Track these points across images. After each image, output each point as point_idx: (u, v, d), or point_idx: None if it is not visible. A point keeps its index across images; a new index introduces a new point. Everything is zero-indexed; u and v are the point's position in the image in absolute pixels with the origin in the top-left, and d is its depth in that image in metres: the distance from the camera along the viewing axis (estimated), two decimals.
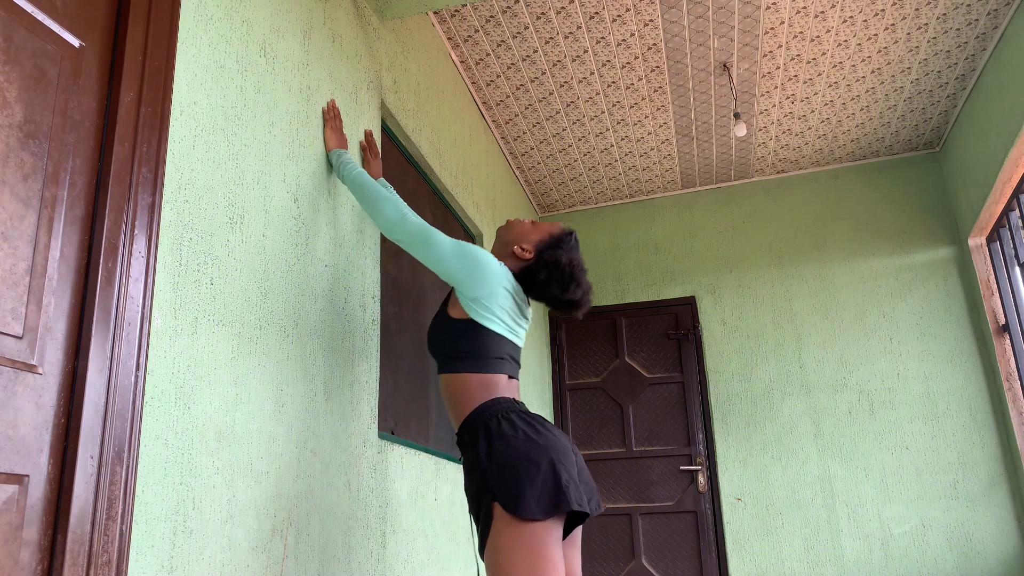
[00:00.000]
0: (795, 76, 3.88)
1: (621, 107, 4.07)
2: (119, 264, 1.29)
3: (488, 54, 3.60)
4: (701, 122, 4.27)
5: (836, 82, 3.94)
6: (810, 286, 4.64)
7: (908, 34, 3.58)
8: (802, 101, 4.11)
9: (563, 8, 3.31)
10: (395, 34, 2.88)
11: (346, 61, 2.40)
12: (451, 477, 2.86)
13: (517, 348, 1.92)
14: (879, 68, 3.84)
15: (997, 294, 4.20)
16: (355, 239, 2.31)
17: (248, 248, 1.70)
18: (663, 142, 4.45)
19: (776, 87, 3.97)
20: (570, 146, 4.44)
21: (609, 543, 4.55)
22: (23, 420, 1.11)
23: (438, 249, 1.86)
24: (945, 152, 4.55)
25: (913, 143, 4.59)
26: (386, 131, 2.80)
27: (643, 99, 4.01)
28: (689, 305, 4.82)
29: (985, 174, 3.91)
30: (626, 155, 4.57)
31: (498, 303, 1.82)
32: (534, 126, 4.22)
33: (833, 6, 3.37)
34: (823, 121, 4.31)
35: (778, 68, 3.81)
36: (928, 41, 3.64)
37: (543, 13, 3.34)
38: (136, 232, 1.34)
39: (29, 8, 1.22)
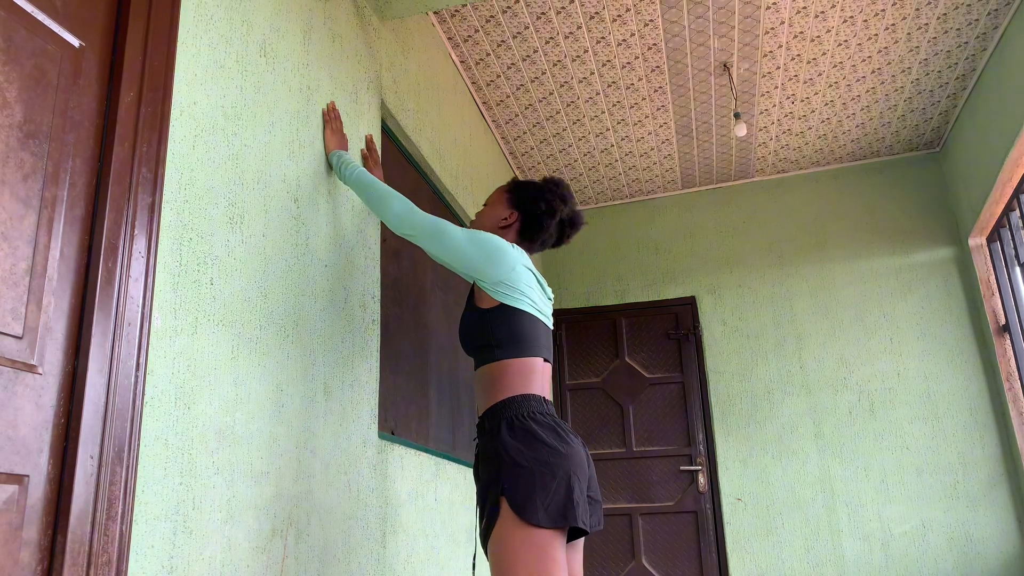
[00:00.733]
0: (795, 76, 3.88)
1: (621, 107, 4.07)
2: (119, 264, 1.29)
3: (488, 54, 3.60)
4: (701, 122, 4.27)
5: (836, 82, 3.94)
6: (810, 286, 4.64)
7: (908, 34, 3.58)
8: (802, 101, 4.11)
9: (563, 8, 3.31)
10: (395, 34, 2.88)
11: (346, 61, 2.40)
12: (451, 477, 2.86)
13: (549, 330, 1.90)
14: (879, 68, 3.84)
15: (997, 294, 4.20)
16: (355, 239, 2.31)
17: (248, 248, 1.70)
18: (663, 142, 4.45)
19: (776, 87, 3.97)
20: (570, 146, 4.44)
21: (609, 543, 4.54)
22: (23, 420, 1.11)
23: (452, 239, 1.84)
24: (945, 152, 4.55)
25: (913, 143, 4.59)
26: (386, 131, 2.80)
27: (643, 99, 4.01)
28: (689, 305, 4.82)
29: (985, 174, 3.91)
30: (626, 155, 4.57)
31: (523, 281, 1.82)
32: (534, 126, 4.22)
33: (833, 6, 3.37)
34: (823, 121, 4.31)
35: (778, 68, 3.81)
36: (928, 41, 3.64)
37: (543, 13, 3.34)
38: (136, 232, 1.34)
39: (29, 8, 1.22)
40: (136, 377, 1.29)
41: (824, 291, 4.60)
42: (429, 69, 3.23)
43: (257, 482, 1.62)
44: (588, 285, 5.05)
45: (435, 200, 3.28)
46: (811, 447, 4.36)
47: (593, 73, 3.77)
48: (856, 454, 4.29)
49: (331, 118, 2.22)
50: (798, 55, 3.71)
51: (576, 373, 4.90)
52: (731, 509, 4.40)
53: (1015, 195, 3.75)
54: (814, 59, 3.74)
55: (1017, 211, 3.79)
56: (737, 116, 3.74)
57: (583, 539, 1.83)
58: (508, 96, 3.93)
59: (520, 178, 2.04)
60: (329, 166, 2.19)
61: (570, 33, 3.47)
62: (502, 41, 3.51)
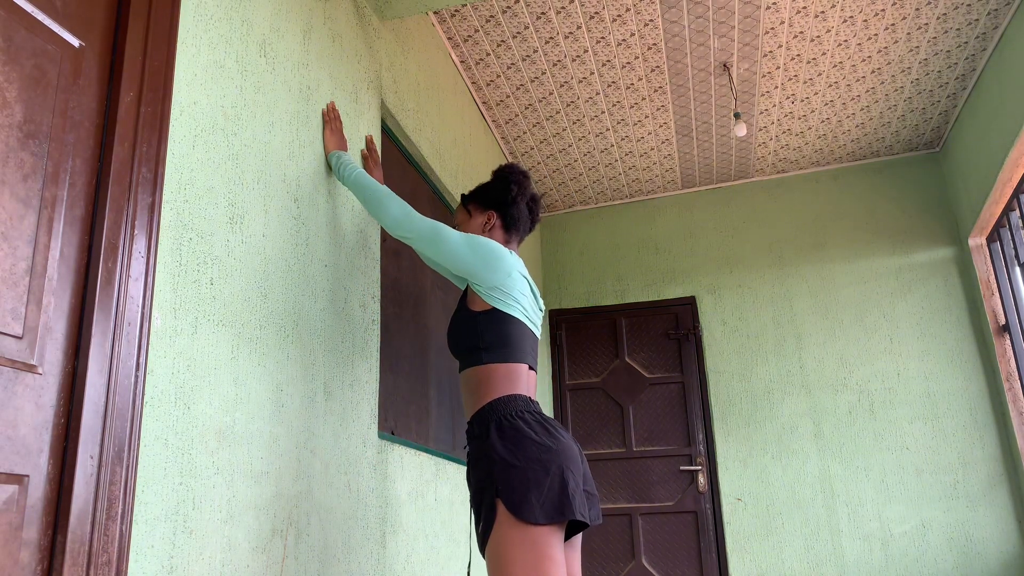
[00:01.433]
0: (795, 76, 3.88)
1: (621, 107, 4.07)
2: (119, 264, 1.29)
3: (488, 54, 3.60)
4: (701, 122, 4.27)
5: (836, 82, 3.94)
6: (810, 286, 4.64)
7: (908, 34, 3.58)
8: (802, 101, 4.11)
9: (563, 8, 3.31)
10: (395, 34, 2.88)
11: (346, 61, 2.40)
12: (451, 477, 2.86)
13: (536, 339, 1.92)
14: (879, 68, 3.84)
15: (997, 294, 4.20)
16: (355, 239, 2.31)
17: (248, 248, 1.70)
18: (663, 142, 4.45)
19: (776, 87, 3.97)
20: (570, 146, 4.44)
21: (609, 543, 4.55)
22: (23, 420, 1.11)
23: (449, 243, 1.86)
24: (945, 152, 4.55)
25: (913, 143, 4.59)
26: (386, 131, 2.80)
27: (643, 99, 4.01)
28: (689, 305, 4.82)
29: (985, 174, 3.91)
30: (626, 155, 4.57)
31: (517, 288, 1.84)
32: (534, 126, 4.22)
33: (833, 6, 3.37)
34: (823, 121, 4.31)
35: (778, 68, 3.81)
36: (928, 41, 3.64)
37: (543, 13, 3.34)
38: (136, 232, 1.34)
39: (29, 8, 1.22)
40: (136, 377, 1.29)
41: (824, 291, 4.60)
42: (429, 69, 3.23)
43: (257, 482, 1.62)
44: (588, 285, 5.05)
45: (435, 200, 3.28)
46: (811, 447, 4.37)
47: (593, 73, 3.77)
48: (856, 454, 4.29)
49: (331, 118, 2.22)
50: (798, 55, 3.71)
51: (576, 373, 4.90)
52: (731, 509, 4.40)
53: (1015, 195, 3.75)
54: (814, 59, 3.74)
55: (1017, 211, 3.79)
56: (737, 116, 3.74)
57: (580, 536, 1.83)
58: (508, 96, 3.93)
59: (476, 189, 2.10)
60: (329, 166, 2.19)
61: (570, 33, 3.47)
62: (502, 41, 3.51)
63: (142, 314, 1.32)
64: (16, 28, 1.19)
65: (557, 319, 5.02)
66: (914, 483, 4.17)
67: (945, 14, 3.44)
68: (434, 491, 2.68)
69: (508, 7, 3.30)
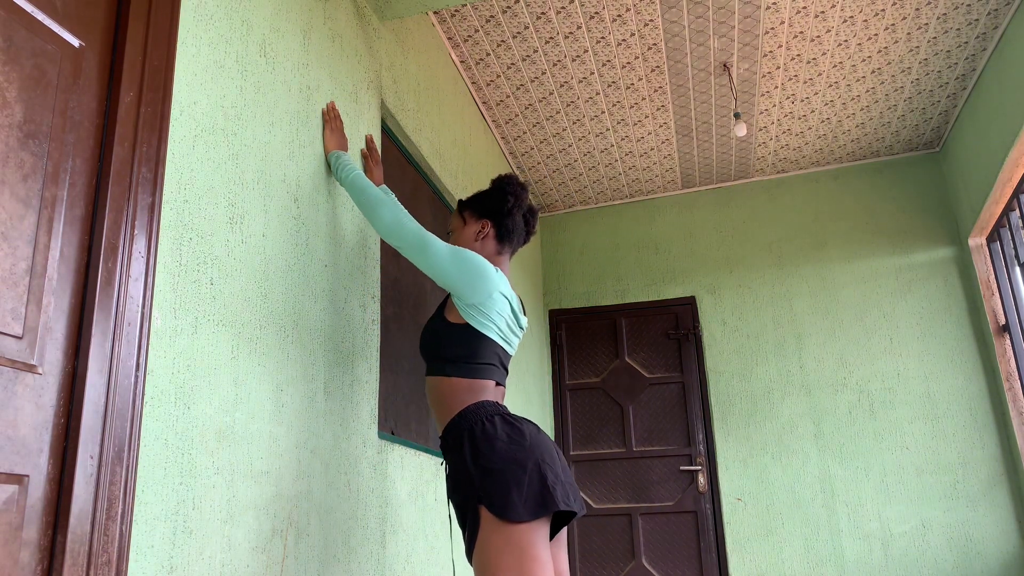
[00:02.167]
0: (795, 76, 3.88)
1: (621, 107, 4.07)
2: (119, 264, 1.29)
3: (488, 54, 3.60)
4: (701, 122, 4.27)
5: (836, 82, 3.94)
6: (810, 286, 4.64)
7: (908, 34, 3.58)
8: (802, 101, 4.11)
9: (563, 8, 3.31)
10: (395, 34, 2.88)
11: (346, 61, 2.40)
12: None
13: (508, 356, 1.95)
14: (879, 68, 3.84)
15: (997, 294, 4.20)
16: (355, 239, 2.31)
17: (248, 248, 1.70)
18: (663, 142, 4.45)
19: (776, 87, 3.97)
20: (570, 146, 4.44)
21: (609, 543, 4.54)
22: (23, 420, 1.11)
23: (435, 255, 1.87)
24: (945, 152, 4.55)
25: (913, 143, 4.59)
26: (386, 131, 2.80)
27: (643, 99, 4.01)
28: (689, 305, 4.82)
29: (985, 174, 3.91)
30: (626, 155, 4.57)
31: (496, 309, 1.84)
32: (534, 126, 4.22)
33: (833, 6, 3.37)
34: (823, 121, 4.31)
35: (778, 68, 3.81)
36: (928, 41, 3.64)
37: (543, 13, 3.34)
38: (136, 232, 1.34)
39: (29, 8, 1.22)
40: (136, 377, 1.29)
41: (824, 291, 4.60)
42: (429, 69, 3.23)
43: (257, 482, 1.62)
44: (588, 285, 5.05)
45: (435, 200, 3.28)
46: (811, 447, 4.37)
47: (593, 73, 3.77)
48: (856, 454, 4.29)
49: (331, 118, 2.22)
50: (798, 55, 3.71)
51: (576, 373, 4.90)
52: (731, 509, 4.40)
53: (1015, 195, 3.75)
54: (814, 59, 3.74)
55: (1017, 211, 3.79)
56: (737, 116, 3.74)
57: (565, 532, 1.84)
58: (508, 96, 3.93)
59: (468, 200, 2.10)
60: (329, 166, 2.19)
61: (570, 33, 3.47)
62: (502, 41, 3.51)
63: (142, 314, 1.32)
64: (16, 28, 1.19)
65: (557, 319, 5.02)
66: (914, 483, 4.17)
67: (945, 14, 3.44)
68: (434, 491, 2.68)
69: (508, 7, 3.30)
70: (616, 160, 4.62)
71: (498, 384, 1.88)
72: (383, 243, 2.62)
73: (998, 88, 3.66)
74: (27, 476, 1.11)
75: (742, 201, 4.93)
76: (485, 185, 3.92)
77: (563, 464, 1.76)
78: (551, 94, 3.93)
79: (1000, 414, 4.13)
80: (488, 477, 1.63)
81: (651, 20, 3.41)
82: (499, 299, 1.85)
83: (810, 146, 4.58)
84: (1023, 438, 4.00)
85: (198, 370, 1.47)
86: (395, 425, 2.58)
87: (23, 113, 1.18)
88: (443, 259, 1.85)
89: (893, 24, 3.51)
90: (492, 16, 3.34)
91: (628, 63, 3.71)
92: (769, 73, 3.84)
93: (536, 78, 3.79)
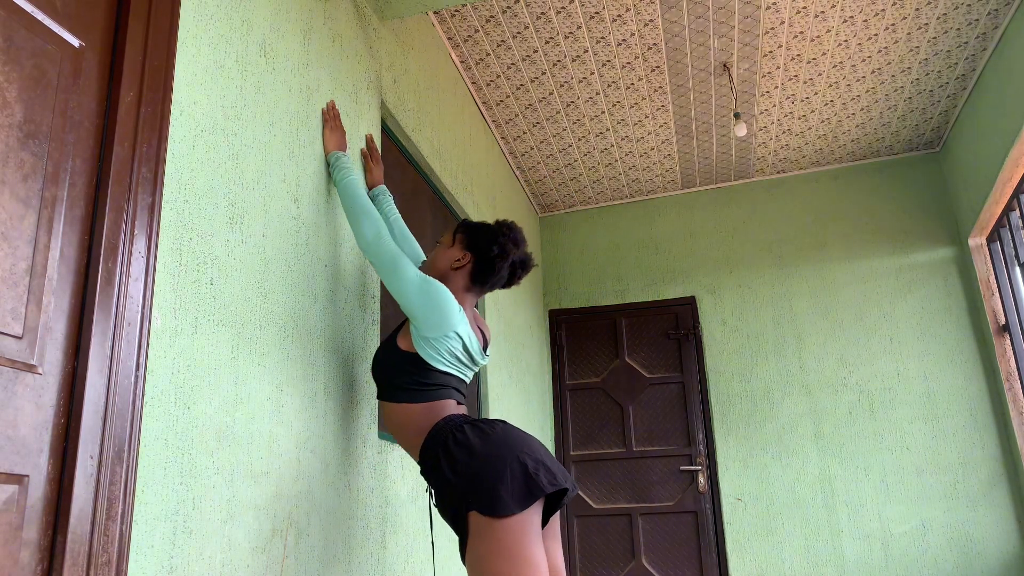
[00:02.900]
0: (795, 76, 3.88)
1: (621, 107, 4.07)
2: (119, 264, 1.29)
3: (488, 54, 3.60)
4: (701, 122, 4.27)
5: (836, 82, 3.94)
6: (810, 286, 4.64)
7: (908, 34, 3.58)
8: (802, 101, 4.11)
9: (563, 8, 3.31)
10: (395, 34, 2.88)
11: (346, 61, 2.40)
12: None
13: (464, 383, 1.98)
14: (879, 68, 3.84)
15: (997, 294, 4.20)
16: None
17: (248, 248, 1.70)
18: (663, 142, 4.45)
19: (776, 87, 3.97)
20: (570, 146, 4.44)
21: (609, 543, 4.54)
22: (23, 420, 1.11)
23: (403, 281, 1.88)
24: (945, 152, 4.55)
25: (913, 143, 4.59)
26: (386, 131, 2.80)
27: (643, 99, 4.01)
28: (689, 305, 4.82)
29: (985, 174, 3.91)
30: (626, 155, 4.57)
31: (447, 346, 1.87)
32: (534, 126, 4.22)
33: (833, 6, 3.37)
34: (823, 121, 4.31)
35: (778, 68, 3.81)
36: (928, 41, 3.64)
37: (543, 13, 3.34)
38: (136, 232, 1.34)
39: (29, 8, 1.22)
40: (136, 377, 1.29)
41: (824, 291, 4.60)
42: (429, 69, 3.23)
43: (257, 482, 1.62)
44: (588, 285, 5.05)
45: (435, 200, 3.28)
46: (811, 447, 4.37)
47: (593, 73, 3.77)
48: (856, 454, 4.29)
49: (330, 117, 2.22)
50: (798, 55, 3.71)
51: (576, 373, 4.90)
52: (731, 509, 4.40)
53: (1015, 195, 3.75)
54: (814, 59, 3.74)
55: (1017, 211, 3.79)
56: (737, 116, 3.74)
57: (558, 524, 1.85)
58: (508, 96, 3.93)
59: (473, 219, 2.09)
60: (329, 166, 2.19)
61: (570, 33, 3.47)
62: (502, 41, 3.51)
63: (142, 314, 1.32)
64: (16, 28, 1.19)
65: (557, 319, 5.02)
66: (914, 483, 4.17)
67: (945, 14, 3.44)
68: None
69: (508, 7, 3.30)
70: (616, 160, 4.62)
71: (459, 403, 1.91)
72: None
73: (998, 88, 3.66)
74: (27, 476, 1.11)
75: (742, 201, 4.93)
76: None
77: (542, 448, 1.78)
78: (551, 94, 3.93)
79: (1000, 414, 4.13)
80: (472, 481, 1.66)
81: (651, 20, 3.41)
82: (453, 337, 1.87)
83: (810, 146, 4.58)
84: (1023, 438, 4.00)
85: (198, 370, 1.47)
86: None
87: (23, 113, 1.18)
88: (410, 286, 1.87)
89: (893, 24, 3.51)
90: (492, 16, 3.34)
91: (628, 63, 3.71)
92: (769, 73, 3.84)
93: (536, 78, 3.79)
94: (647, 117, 4.18)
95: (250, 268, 1.70)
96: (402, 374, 1.87)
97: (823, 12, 3.41)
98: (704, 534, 4.42)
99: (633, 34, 3.50)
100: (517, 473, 1.64)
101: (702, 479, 4.49)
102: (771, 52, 3.68)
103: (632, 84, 3.87)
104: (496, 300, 3.87)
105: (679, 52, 3.65)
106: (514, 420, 3.87)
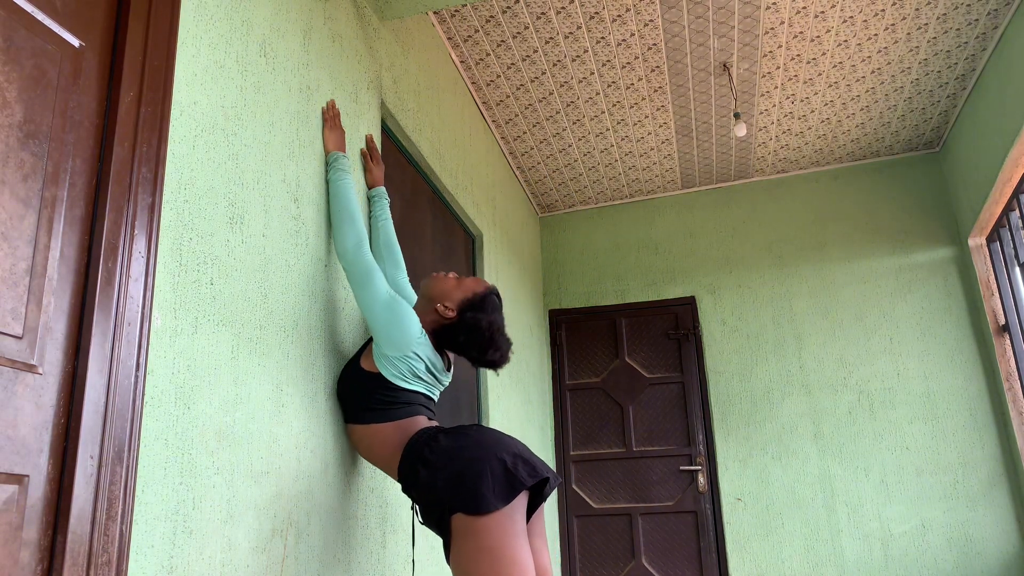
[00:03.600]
0: (795, 76, 3.88)
1: (621, 107, 4.07)
2: (119, 264, 1.29)
3: (488, 54, 3.60)
4: (701, 122, 4.27)
5: (836, 82, 3.94)
6: (810, 286, 4.64)
7: (908, 34, 3.58)
8: (802, 101, 4.11)
9: (563, 8, 3.31)
10: (395, 34, 2.88)
11: (346, 61, 2.40)
12: None
13: (432, 400, 1.98)
14: (879, 68, 3.84)
15: (997, 294, 4.20)
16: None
17: (248, 248, 1.70)
18: (663, 142, 4.45)
19: (776, 87, 3.97)
20: (570, 146, 4.44)
21: (609, 543, 4.54)
22: (23, 420, 1.11)
23: (371, 295, 1.89)
24: (945, 152, 4.55)
25: (913, 143, 4.59)
26: (386, 131, 2.80)
27: (643, 99, 4.01)
28: (689, 305, 4.82)
29: (985, 174, 3.91)
30: (626, 155, 4.57)
31: (409, 365, 1.88)
32: (534, 126, 4.22)
33: (833, 6, 3.37)
34: (823, 121, 4.31)
35: (778, 68, 3.81)
36: (928, 41, 3.64)
37: (543, 13, 3.34)
38: (136, 232, 1.34)
39: (29, 8, 1.22)
40: (136, 377, 1.29)
41: (824, 291, 4.60)
42: (429, 69, 3.23)
43: (257, 482, 1.62)
44: (588, 285, 5.05)
45: (435, 200, 3.28)
46: (811, 447, 4.37)
47: (593, 73, 3.77)
48: (856, 454, 4.29)
49: (330, 116, 2.22)
50: (798, 55, 3.71)
51: (576, 373, 4.90)
52: (731, 509, 4.40)
53: (1015, 195, 3.75)
54: (814, 59, 3.74)
55: (1017, 211, 3.79)
56: (737, 116, 3.74)
57: (544, 522, 1.86)
58: (508, 96, 3.93)
59: (490, 288, 2.02)
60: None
61: (570, 33, 3.47)
62: (502, 41, 3.51)
63: (142, 314, 1.32)
64: (16, 28, 1.19)
65: (557, 319, 5.02)
66: (914, 483, 4.17)
67: (945, 14, 3.44)
68: None
69: (508, 7, 3.30)
70: (616, 160, 4.62)
71: (429, 419, 1.92)
72: None
73: (998, 88, 3.66)
74: (27, 476, 1.11)
75: (742, 201, 4.93)
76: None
77: (519, 444, 1.79)
78: (551, 94, 3.93)
79: (1000, 414, 4.13)
80: (453, 484, 1.67)
81: (651, 20, 3.41)
82: (413, 357, 1.88)
83: (810, 146, 4.58)
84: (1023, 438, 4.00)
85: (198, 370, 1.47)
86: None
87: (23, 113, 1.18)
88: (377, 302, 1.88)
89: (893, 24, 3.51)
90: (492, 16, 3.35)
91: (628, 63, 3.71)
92: (769, 73, 3.84)
93: (536, 78, 3.79)
94: (647, 117, 4.18)
95: (250, 268, 1.70)
96: (367, 394, 1.88)
97: (823, 12, 3.41)
98: (704, 534, 4.42)
99: (633, 34, 3.50)
100: (497, 470, 1.66)
101: (702, 479, 4.49)
102: (771, 52, 3.68)
103: (632, 84, 3.87)
104: None
105: (679, 52, 3.65)
106: (514, 420, 3.87)
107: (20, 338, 1.13)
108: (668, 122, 4.24)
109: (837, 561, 4.16)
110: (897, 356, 4.37)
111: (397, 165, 2.89)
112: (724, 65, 3.76)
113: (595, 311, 4.98)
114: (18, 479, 1.09)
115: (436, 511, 1.70)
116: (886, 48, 3.69)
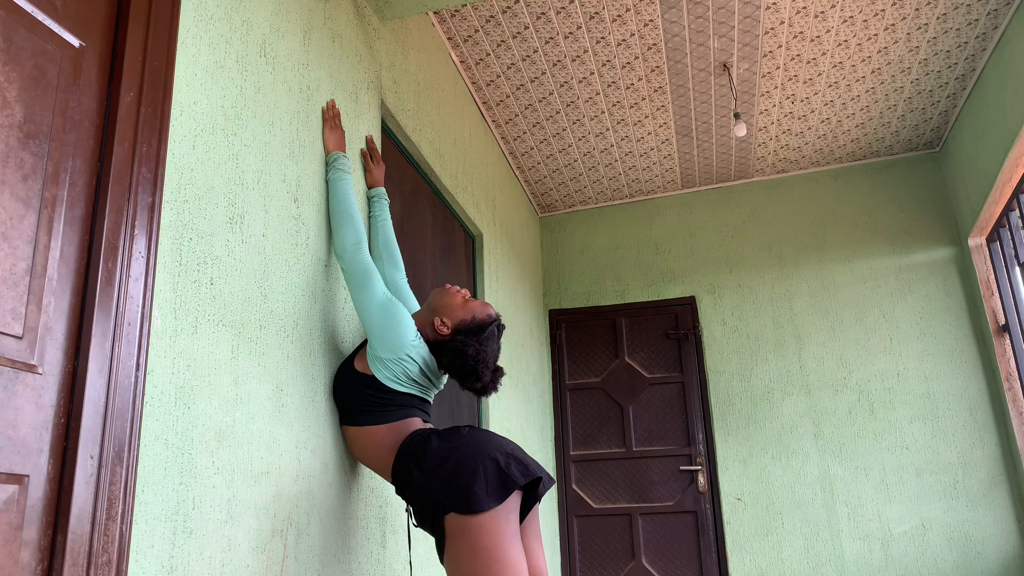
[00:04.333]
0: (795, 76, 3.88)
1: (621, 107, 4.07)
2: (119, 264, 1.29)
3: (488, 54, 3.60)
4: (701, 122, 4.27)
5: (836, 82, 3.94)
6: (810, 286, 4.64)
7: (908, 34, 3.58)
8: (802, 101, 4.11)
9: (563, 8, 3.31)
10: (395, 34, 2.88)
11: (346, 61, 2.40)
12: None
13: (427, 402, 1.97)
14: (879, 68, 3.84)
15: (997, 294, 4.20)
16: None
17: (248, 248, 1.70)
18: (663, 142, 4.45)
19: (776, 87, 3.97)
20: (570, 146, 4.44)
21: (609, 543, 4.54)
22: (23, 420, 1.11)
23: (368, 296, 1.89)
24: (945, 152, 4.55)
25: (913, 143, 4.59)
26: (386, 131, 2.80)
27: (643, 99, 4.01)
28: (689, 305, 4.82)
29: (985, 174, 3.91)
30: (626, 155, 4.57)
31: (402, 367, 1.87)
32: (534, 126, 4.22)
33: (833, 6, 3.37)
34: (823, 121, 4.31)
35: (778, 68, 3.81)
36: (928, 41, 3.64)
37: (543, 13, 3.34)
38: (136, 232, 1.34)
39: (29, 8, 1.22)
40: (136, 377, 1.29)
41: (824, 291, 4.60)
42: (429, 69, 3.23)
43: (257, 482, 1.62)
44: (588, 285, 5.05)
45: (435, 200, 3.28)
46: (811, 447, 4.37)
47: (593, 73, 3.78)
48: (856, 454, 4.29)
49: (330, 116, 2.22)
50: (798, 55, 3.71)
51: (576, 373, 4.90)
52: (731, 509, 4.40)
53: (1015, 195, 3.75)
54: (814, 59, 3.74)
55: (1017, 211, 3.79)
56: (737, 116, 3.74)
57: (539, 522, 1.85)
58: (508, 96, 3.93)
59: (492, 316, 1.99)
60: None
61: (570, 33, 3.47)
62: (502, 41, 3.51)
63: (142, 314, 1.32)
64: (16, 28, 1.19)
65: (557, 319, 5.02)
66: (914, 483, 4.17)
67: (945, 14, 3.44)
68: None
69: (508, 7, 3.30)
70: (616, 160, 4.62)
71: (424, 421, 1.92)
72: None
73: (998, 88, 3.66)
74: (27, 476, 1.11)
75: (742, 201, 4.93)
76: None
77: (512, 444, 1.80)
78: (551, 94, 3.93)
79: (1000, 414, 4.13)
80: (446, 484, 1.67)
81: (651, 20, 3.41)
82: (407, 360, 1.87)
83: (810, 146, 4.58)
84: (1023, 438, 4.00)
85: (198, 370, 1.47)
86: None
87: (23, 113, 1.18)
88: (373, 303, 1.88)
89: (893, 24, 3.51)
90: (492, 16, 3.35)
91: (628, 63, 3.71)
92: (769, 73, 3.84)
93: (536, 78, 3.79)
94: (647, 117, 4.18)
95: (250, 268, 1.70)
96: (361, 396, 1.88)
97: (823, 12, 3.41)
98: (704, 534, 4.42)
99: (633, 34, 3.50)
100: (490, 469, 1.66)
101: (702, 479, 4.49)
102: (771, 52, 3.68)
103: (632, 84, 3.87)
104: (495, 301, 3.87)
105: (679, 52, 3.65)
106: (514, 420, 3.87)
107: (20, 338, 1.13)
108: (668, 122, 4.25)
109: (837, 561, 4.16)
110: (897, 356, 4.37)
111: (397, 165, 2.89)
112: (724, 65, 3.76)
113: (595, 311, 4.98)
114: (18, 479, 1.09)
115: (429, 512, 1.70)
116: (886, 48, 3.69)
